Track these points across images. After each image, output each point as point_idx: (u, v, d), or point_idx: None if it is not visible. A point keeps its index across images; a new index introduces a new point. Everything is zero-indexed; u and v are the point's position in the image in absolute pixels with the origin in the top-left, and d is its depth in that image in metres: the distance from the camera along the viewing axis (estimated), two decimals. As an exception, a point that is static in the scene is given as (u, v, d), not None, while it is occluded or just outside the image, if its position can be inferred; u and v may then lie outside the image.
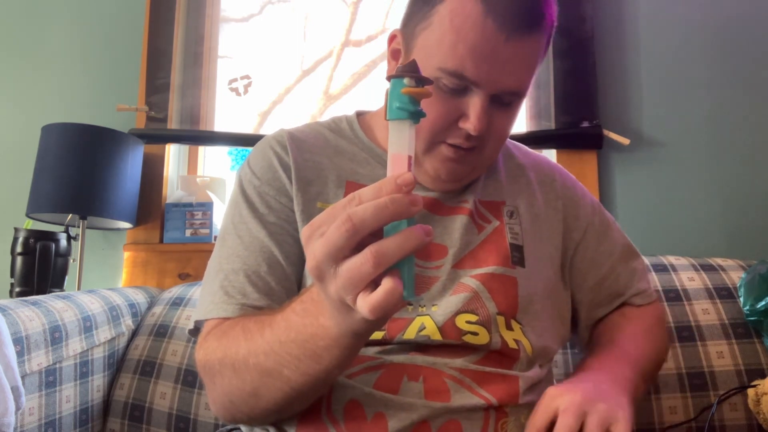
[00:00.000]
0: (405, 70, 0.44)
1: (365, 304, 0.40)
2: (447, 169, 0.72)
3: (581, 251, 0.82)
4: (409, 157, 0.43)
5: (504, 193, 0.79)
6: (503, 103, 0.69)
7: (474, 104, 0.66)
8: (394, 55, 0.75)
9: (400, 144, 0.43)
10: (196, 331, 0.72)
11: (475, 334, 0.67)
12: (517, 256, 0.74)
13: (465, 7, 0.64)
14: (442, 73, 0.65)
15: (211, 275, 0.72)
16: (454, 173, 0.73)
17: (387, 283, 0.40)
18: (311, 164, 0.77)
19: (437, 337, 0.67)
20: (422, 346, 0.67)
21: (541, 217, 0.79)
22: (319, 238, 0.42)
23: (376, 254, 0.39)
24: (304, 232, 0.43)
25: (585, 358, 0.77)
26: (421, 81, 0.43)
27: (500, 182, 0.80)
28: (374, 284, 0.41)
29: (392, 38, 0.75)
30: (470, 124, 0.66)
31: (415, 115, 0.43)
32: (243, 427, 0.73)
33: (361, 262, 0.40)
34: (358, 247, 0.40)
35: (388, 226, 0.41)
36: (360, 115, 0.85)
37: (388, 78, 0.44)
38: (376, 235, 0.41)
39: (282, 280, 0.71)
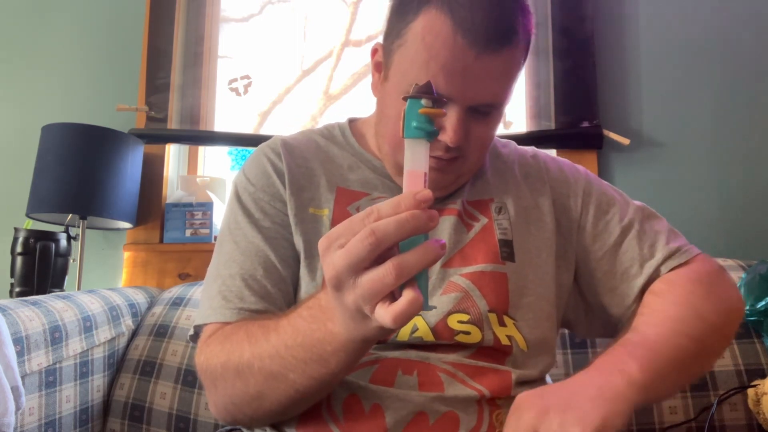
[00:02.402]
0: (422, 91, 0.46)
1: (388, 313, 0.42)
2: (430, 179, 0.73)
3: (582, 225, 0.81)
4: (425, 174, 0.46)
5: (491, 191, 0.80)
6: (481, 113, 0.69)
7: (450, 117, 0.67)
8: (377, 67, 0.76)
9: (416, 161, 0.46)
10: (196, 336, 0.73)
11: (467, 333, 0.68)
12: (506, 251, 0.74)
13: (435, 24, 0.65)
14: None
15: (210, 281, 0.74)
16: (438, 183, 0.73)
17: (409, 294, 0.42)
18: (304, 170, 0.78)
19: (430, 338, 0.68)
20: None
21: (529, 208, 0.79)
22: (337, 249, 0.44)
23: (398, 267, 0.42)
24: (321, 243, 0.45)
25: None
26: (436, 101, 0.46)
27: (487, 181, 0.81)
28: (391, 295, 0.43)
29: (374, 51, 0.77)
30: (447, 137, 0.67)
31: (431, 135, 0.46)
32: (243, 428, 0.73)
33: (384, 273, 0.42)
34: (376, 259, 0.43)
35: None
36: (352, 121, 0.87)
37: (405, 98, 0.46)
38: (390, 247, 0.43)
39: (278, 283, 0.72)
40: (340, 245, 0.44)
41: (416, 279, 0.43)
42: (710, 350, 0.70)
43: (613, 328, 0.80)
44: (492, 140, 0.77)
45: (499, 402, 0.66)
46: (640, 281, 0.75)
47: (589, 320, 0.83)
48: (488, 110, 0.70)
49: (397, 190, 0.77)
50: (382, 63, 0.74)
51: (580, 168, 0.86)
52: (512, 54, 0.67)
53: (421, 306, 0.42)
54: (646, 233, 0.78)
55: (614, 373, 0.57)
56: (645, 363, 0.58)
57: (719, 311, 0.70)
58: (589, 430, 0.49)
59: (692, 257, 0.76)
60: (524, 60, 0.71)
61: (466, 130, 0.68)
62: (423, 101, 0.45)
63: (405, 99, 0.46)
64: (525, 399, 0.54)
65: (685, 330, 0.65)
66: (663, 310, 0.69)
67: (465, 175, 0.76)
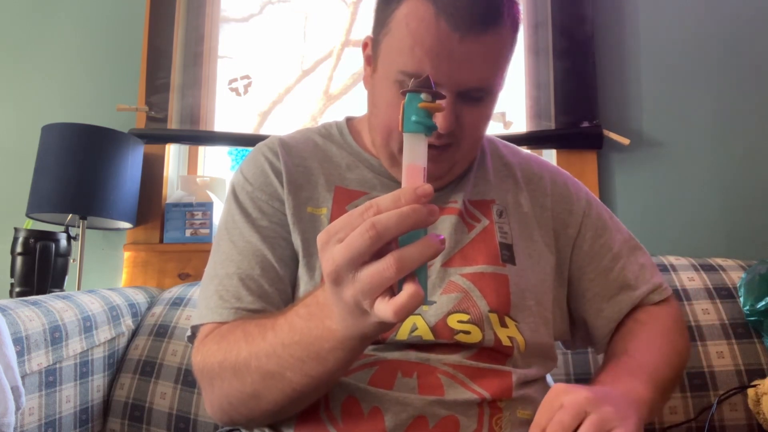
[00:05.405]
0: (421, 85, 0.46)
1: (389, 307, 0.42)
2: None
3: (579, 245, 0.82)
4: (424, 168, 0.45)
5: (493, 192, 0.80)
6: (472, 98, 0.69)
7: None
8: (368, 60, 0.76)
9: (415, 156, 0.45)
10: (193, 337, 0.73)
11: (467, 332, 0.68)
12: (506, 254, 0.74)
13: (418, 10, 0.65)
14: (404, 76, 0.67)
15: (207, 281, 0.74)
16: (432, 173, 0.73)
17: (410, 288, 0.42)
18: (301, 169, 0.78)
19: (429, 337, 0.67)
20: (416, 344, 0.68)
21: (528, 216, 0.80)
22: (337, 243, 0.43)
23: (398, 261, 0.41)
24: (320, 237, 0.45)
25: (597, 372, 0.72)
26: (435, 96, 0.45)
27: (489, 181, 0.81)
28: (390, 290, 0.43)
29: (365, 45, 0.77)
30: (438, 122, 0.66)
31: (430, 129, 0.45)
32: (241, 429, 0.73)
33: (384, 267, 0.42)
34: (375, 254, 0.42)
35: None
36: (350, 120, 0.87)
37: (403, 93, 0.46)
38: (390, 242, 0.42)
39: (275, 283, 0.72)
40: (339, 239, 0.43)
41: (415, 274, 0.43)
42: (679, 379, 0.79)
43: (590, 342, 0.86)
44: (485, 128, 0.76)
45: (500, 404, 0.66)
46: (625, 309, 0.80)
47: (571, 334, 0.85)
48: (479, 95, 0.69)
49: (396, 189, 0.77)
50: (372, 56, 0.74)
51: (581, 186, 0.88)
52: (498, 36, 0.67)
53: (422, 299, 0.42)
54: (632, 264, 0.82)
55: (628, 391, 0.62)
56: (647, 383, 0.65)
57: (687, 347, 0.80)
58: (631, 427, 0.52)
59: (669, 296, 0.83)
60: (513, 43, 0.71)
61: (456, 116, 0.68)
62: (422, 95, 0.45)
63: (404, 93, 0.46)
64: (568, 387, 0.56)
65: (668, 361, 0.72)
66: (649, 340, 0.75)
67: (459, 163, 0.76)
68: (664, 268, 1.19)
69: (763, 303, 1.05)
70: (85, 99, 1.76)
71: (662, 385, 0.68)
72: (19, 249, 1.42)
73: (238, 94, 1.79)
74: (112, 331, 1.18)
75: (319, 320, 0.52)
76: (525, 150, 0.91)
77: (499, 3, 0.66)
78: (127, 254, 1.62)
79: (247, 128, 1.79)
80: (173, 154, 1.75)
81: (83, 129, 1.48)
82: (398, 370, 0.66)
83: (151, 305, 1.32)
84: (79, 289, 1.47)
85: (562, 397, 0.55)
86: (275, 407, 0.61)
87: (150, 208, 1.65)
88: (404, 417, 0.63)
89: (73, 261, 1.50)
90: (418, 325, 0.68)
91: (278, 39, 1.85)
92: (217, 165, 1.91)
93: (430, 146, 0.69)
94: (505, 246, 0.75)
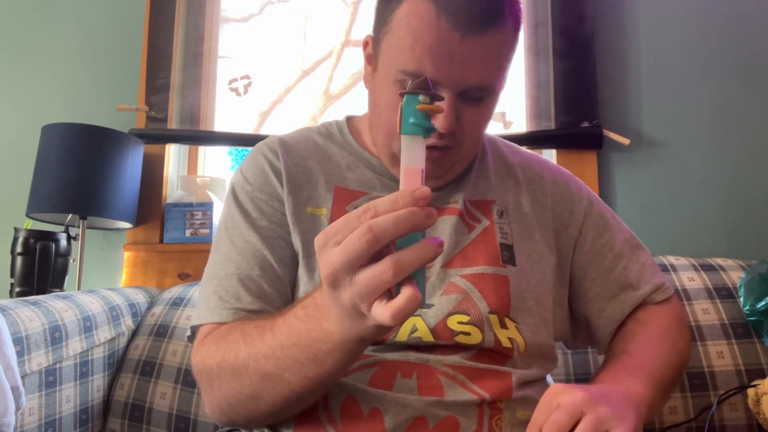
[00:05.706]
0: (419, 87, 0.45)
1: (386, 311, 0.42)
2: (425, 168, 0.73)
3: (580, 245, 0.82)
4: (422, 171, 0.45)
5: (494, 192, 0.80)
6: (473, 98, 0.69)
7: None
8: (368, 59, 0.76)
9: (413, 158, 0.45)
10: (193, 337, 0.73)
11: (467, 334, 0.68)
12: (507, 255, 0.74)
13: (419, 9, 0.65)
14: (404, 75, 0.67)
15: (206, 281, 0.74)
16: (432, 173, 0.73)
17: (408, 291, 0.41)
18: (301, 169, 0.78)
19: (429, 338, 0.67)
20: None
21: (528, 216, 0.79)
22: (334, 246, 0.43)
23: (396, 264, 0.41)
24: (318, 240, 0.45)
25: (597, 371, 0.73)
26: (433, 98, 0.45)
27: (489, 181, 0.81)
28: (388, 293, 0.43)
29: (366, 44, 0.77)
30: (438, 123, 0.66)
31: (428, 131, 0.45)
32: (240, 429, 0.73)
33: (381, 270, 0.41)
34: (373, 257, 0.42)
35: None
36: (350, 119, 0.86)
37: (401, 95, 0.46)
38: (388, 245, 0.42)
39: (275, 283, 0.72)
40: (336, 242, 0.43)
41: (413, 276, 0.42)
42: (680, 379, 0.80)
43: (592, 341, 0.86)
44: (486, 127, 0.76)
45: (500, 405, 0.66)
46: (627, 309, 0.80)
47: (573, 333, 0.85)
48: (480, 95, 0.69)
49: (396, 189, 0.76)
50: (372, 55, 0.74)
51: (583, 185, 0.87)
52: (499, 35, 0.66)
53: (420, 303, 0.42)
54: (634, 263, 0.82)
55: (627, 389, 0.62)
56: (647, 382, 0.65)
57: (688, 347, 0.81)
58: (630, 427, 0.53)
59: (671, 295, 0.83)
60: (514, 42, 0.70)
61: (457, 116, 0.68)
62: (420, 97, 0.45)
63: (402, 95, 0.46)
64: (565, 387, 0.57)
65: (668, 361, 0.73)
66: (650, 339, 0.75)
67: (459, 163, 0.76)
68: (664, 268, 1.19)
69: (763, 303, 1.05)
70: (85, 99, 1.76)
71: (662, 385, 0.68)
72: (19, 249, 1.42)
73: (238, 94, 1.79)
74: (112, 331, 1.18)
75: (317, 322, 0.52)
76: (526, 150, 0.91)
77: (501, 2, 0.66)
78: (127, 254, 1.62)
79: (247, 128, 1.79)
80: (173, 154, 1.75)
81: (83, 129, 1.48)
82: (398, 370, 0.66)
83: (151, 305, 1.32)
84: (79, 289, 1.47)
85: (558, 397, 0.55)
86: (274, 408, 0.61)
87: (150, 208, 1.65)
88: (404, 418, 0.63)
89: (73, 261, 1.50)
90: (417, 327, 0.67)
91: (278, 39, 1.85)
92: (217, 165, 1.91)
93: (431, 147, 0.69)
94: (506, 247, 0.75)
